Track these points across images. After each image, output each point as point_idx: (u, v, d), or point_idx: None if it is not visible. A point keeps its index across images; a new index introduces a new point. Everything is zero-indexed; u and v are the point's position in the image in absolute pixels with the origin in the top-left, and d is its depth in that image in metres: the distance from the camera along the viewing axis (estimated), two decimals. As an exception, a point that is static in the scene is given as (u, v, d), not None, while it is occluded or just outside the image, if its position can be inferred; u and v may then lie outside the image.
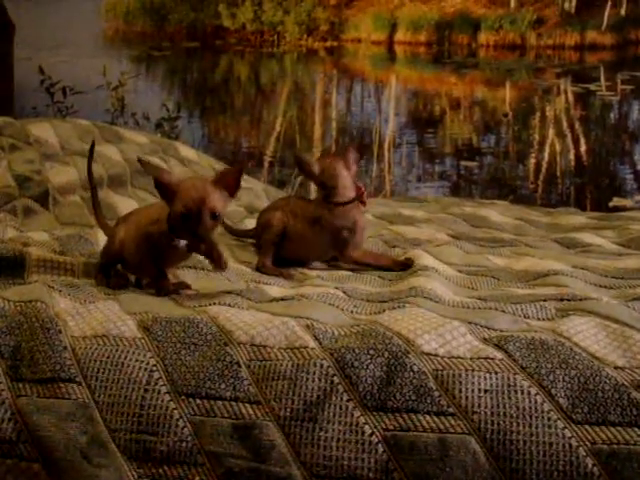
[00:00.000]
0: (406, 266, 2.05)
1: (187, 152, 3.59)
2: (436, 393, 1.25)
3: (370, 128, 7.65)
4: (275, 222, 2.12)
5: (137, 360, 1.33)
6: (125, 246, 1.77)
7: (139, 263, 1.74)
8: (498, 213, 2.99)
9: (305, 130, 7.51)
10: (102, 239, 2.38)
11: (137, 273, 1.82)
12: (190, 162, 3.47)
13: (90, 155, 2.03)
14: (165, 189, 1.60)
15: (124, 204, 2.92)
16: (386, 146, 7.00)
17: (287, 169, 5.74)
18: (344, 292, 1.74)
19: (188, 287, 1.73)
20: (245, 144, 7.16)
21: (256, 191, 3.48)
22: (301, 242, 2.11)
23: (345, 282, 1.93)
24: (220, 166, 3.63)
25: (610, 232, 2.59)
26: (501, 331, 1.39)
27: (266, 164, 6.25)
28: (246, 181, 3.56)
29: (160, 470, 1.22)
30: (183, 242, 1.64)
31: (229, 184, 1.61)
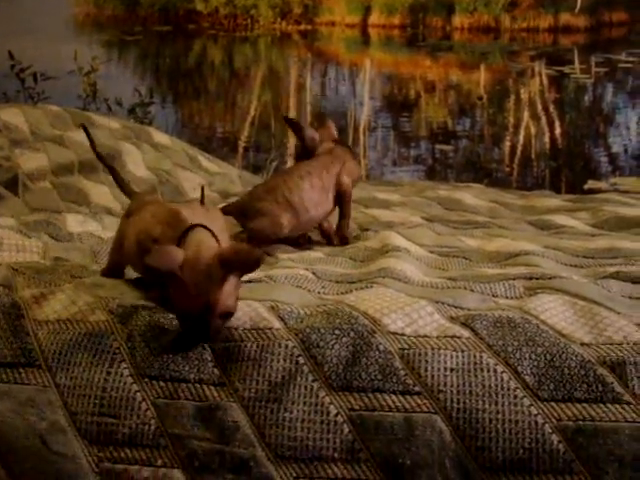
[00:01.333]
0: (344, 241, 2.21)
1: (160, 137, 3.55)
2: (402, 372, 1.24)
3: (345, 112, 7.65)
4: (285, 223, 2.11)
5: (100, 343, 1.31)
6: (128, 249, 1.54)
7: (141, 273, 1.54)
8: (473, 196, 2.99)
9: (280, 114, 7.48)
10: (71, 224, 2.36)
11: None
12: (163, 147, 3.44)
13: (89, 137, 1.84)
14: (168, 276, 1.26)
15: (96, 190, 2.90)
16: (361, 130, 6.99)
17: (262, 154, 5.71)
18: (313, 273, 1.72)
19: None
20: (219, 129, 7.13)
21: (230, 176, 3.46)
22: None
23: (315, 264, 1.92)
24: (194, 151, 3.60)
25: (584, 214, 2.59)
26: (468, 310, 1.38)
27: (240, 149, 6.22)
28: (220, 166, 3.54)
29: (122, 453, 1.20)
30: None
31: (244, 264, 1.26)
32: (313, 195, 2.16)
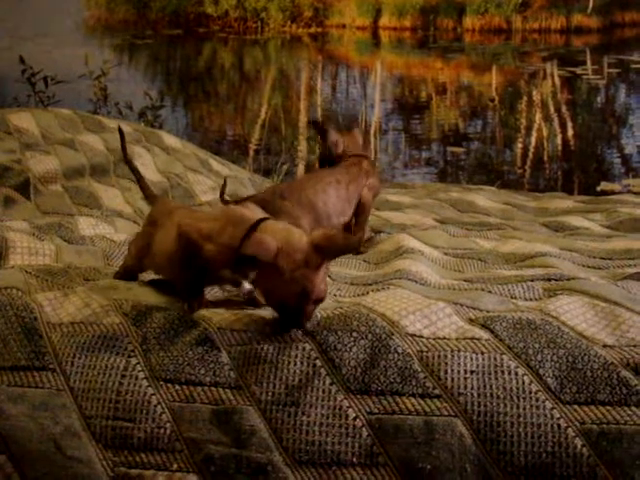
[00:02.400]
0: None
1: (171, 141, 3.55)
2: (421, 375, 1.21)
3: (356, 115, 7.62)
4: (305, 226, 2.11)
5: (114, 346, 1.29)
6: (160, 254, 1.51)
7: (173, 276, 1.50)
8: (485, 198, 2.97)
9: (290, 117, 7.48)
10: (83, 227, 2.35)
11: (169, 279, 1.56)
12: (174, 151, 3.44)
13: (122, 140, 1.85)
14: (263, 265, 1.27)
15: (107, 193, 2.88)
16: (372, 132, 6.98)
17: (273, 157, 5.69)
18: (328, 276, 1.70)
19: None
20: (230, 132, 7.12)
21: (241, 179, 3.45)
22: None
23: (330, 266, 1.90)
24: (205, 155, 3.59)
25: (598, 215, 2.57)
26: (487, 311, 1.36)
27: (251, 152, 6.21)
28: (231, 169, 3.53)
29: (137, 457, 1.19)
30: (248, 287, 1.38)
31: (331, 250, 1.27)
32: (337, 204, 2.15)
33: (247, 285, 1.37)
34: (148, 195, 1.75)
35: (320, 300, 1.28)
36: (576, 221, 2.49)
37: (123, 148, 1.86)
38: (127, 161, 1.85)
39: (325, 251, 1.25)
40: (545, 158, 6.26)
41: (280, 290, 1.25)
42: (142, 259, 1.59)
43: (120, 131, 1.86)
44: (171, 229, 1.47)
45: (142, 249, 1.59)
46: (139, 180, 1.78)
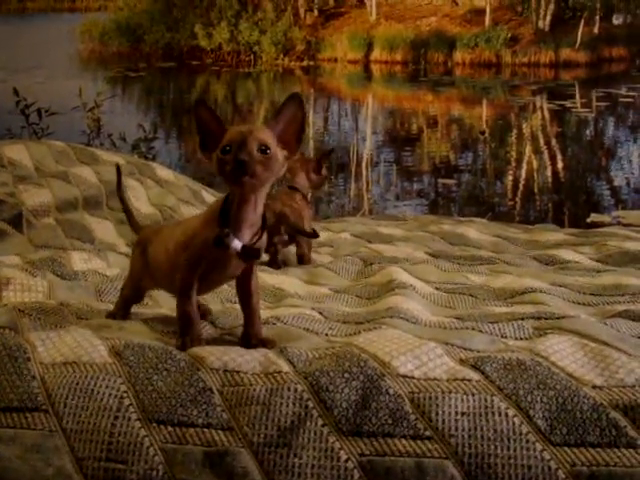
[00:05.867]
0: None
1: (164, 173, 3.56)
2: (412, 416, 1.22)
3: (348, 147, 7.68)
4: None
5: (107, 386, 1.29)
6: (158, 266, 1.56)
7: (172, 279, 1.50)
8: (476, 230, 2.99)
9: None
10: (76, 262, 2.35)
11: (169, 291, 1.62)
12: (167, 183, 3.45)
13: (119, 178, 1.87)
14: (209, 135, 1.38)
15: (99, 226, 2.88)
16: (364, 165, 7.02)
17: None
18: (320, 313, 1.71)
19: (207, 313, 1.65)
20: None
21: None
22: None
23: (323, 302, 1.91)
24: (198, 187, 3.60)
25: (588, 248, 2.59)
26: (478, 352, 1.37)
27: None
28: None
29: (129, 500, 1.18)
30: (238, 243, 1.40)
31: (288, 138, 1.38)
32: None
33: (237, 242, 1.40)
34: (135, 228, 1.79)
35: (265, 148, 1.32)
36: (566, 254, 2.50)
37: (118, 186, 1.88)
38: (121, 200, 1.87)
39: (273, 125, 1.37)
40: (535, 190, 6.30)
41: (226, 139, 1.34)
42: (141, 282, 1.63)
43: (118, 169, 1.87)
44: (162, 240, 1.54)
45: (139, 272, 1.63)
46: (129, 217, 1.81)
